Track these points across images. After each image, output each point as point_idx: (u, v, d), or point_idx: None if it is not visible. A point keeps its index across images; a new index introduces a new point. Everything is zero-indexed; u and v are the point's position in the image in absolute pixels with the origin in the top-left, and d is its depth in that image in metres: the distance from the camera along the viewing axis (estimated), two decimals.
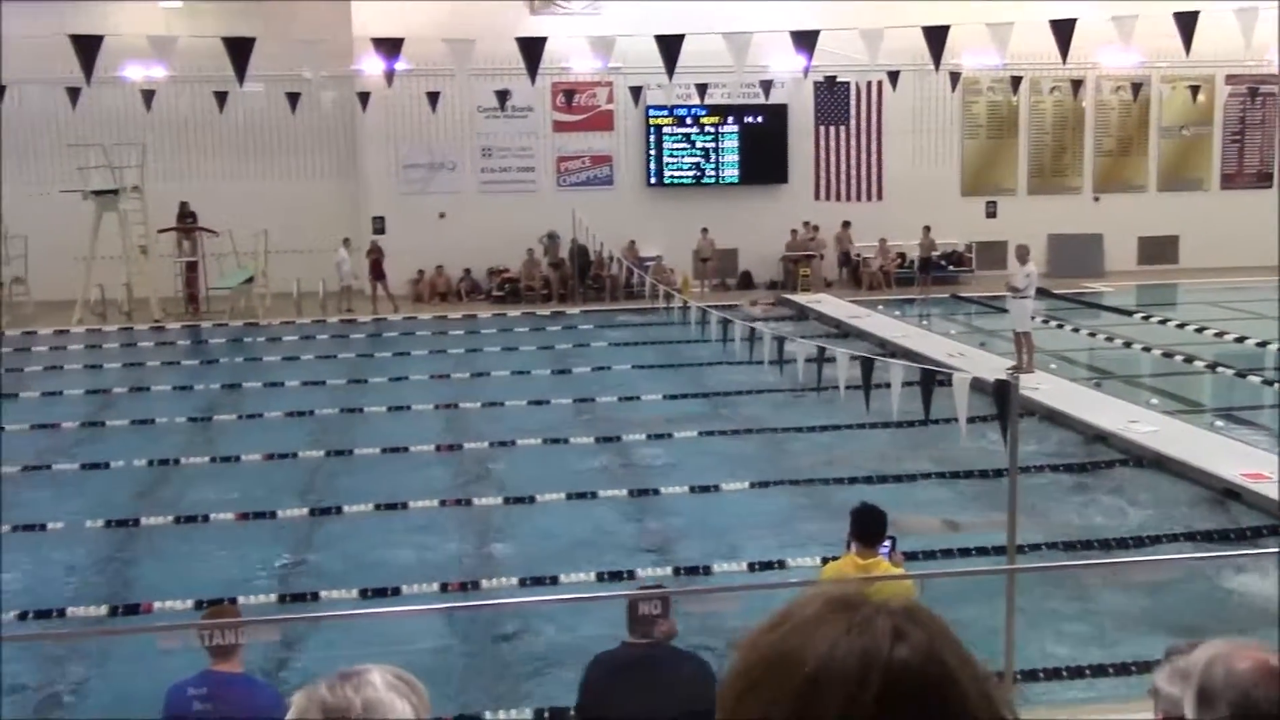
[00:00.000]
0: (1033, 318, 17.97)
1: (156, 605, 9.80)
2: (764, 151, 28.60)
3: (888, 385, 10.61)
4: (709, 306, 18.28)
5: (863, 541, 6.57)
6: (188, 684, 5.61)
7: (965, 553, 10.55)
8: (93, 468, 14.08)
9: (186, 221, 26.32)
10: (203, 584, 10.12)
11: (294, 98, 23.41)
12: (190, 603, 9.53)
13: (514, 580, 10.28)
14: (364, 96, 24.71)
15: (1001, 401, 7.93)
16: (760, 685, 1.18)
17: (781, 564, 10.42)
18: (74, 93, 20.89)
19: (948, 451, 13.23)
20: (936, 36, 15.08)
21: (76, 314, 24.52)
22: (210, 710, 5.45)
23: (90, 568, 11.09)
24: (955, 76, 25.90)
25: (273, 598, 10.00)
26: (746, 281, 28.76)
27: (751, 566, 10.38)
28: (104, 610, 9.96)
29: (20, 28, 21.81)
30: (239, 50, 13.32)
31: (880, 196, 29.33)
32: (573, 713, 5.84)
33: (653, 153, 28.52)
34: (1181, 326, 21.79)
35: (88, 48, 13.19)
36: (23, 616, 9.73)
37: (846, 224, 28.51)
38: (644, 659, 5.60)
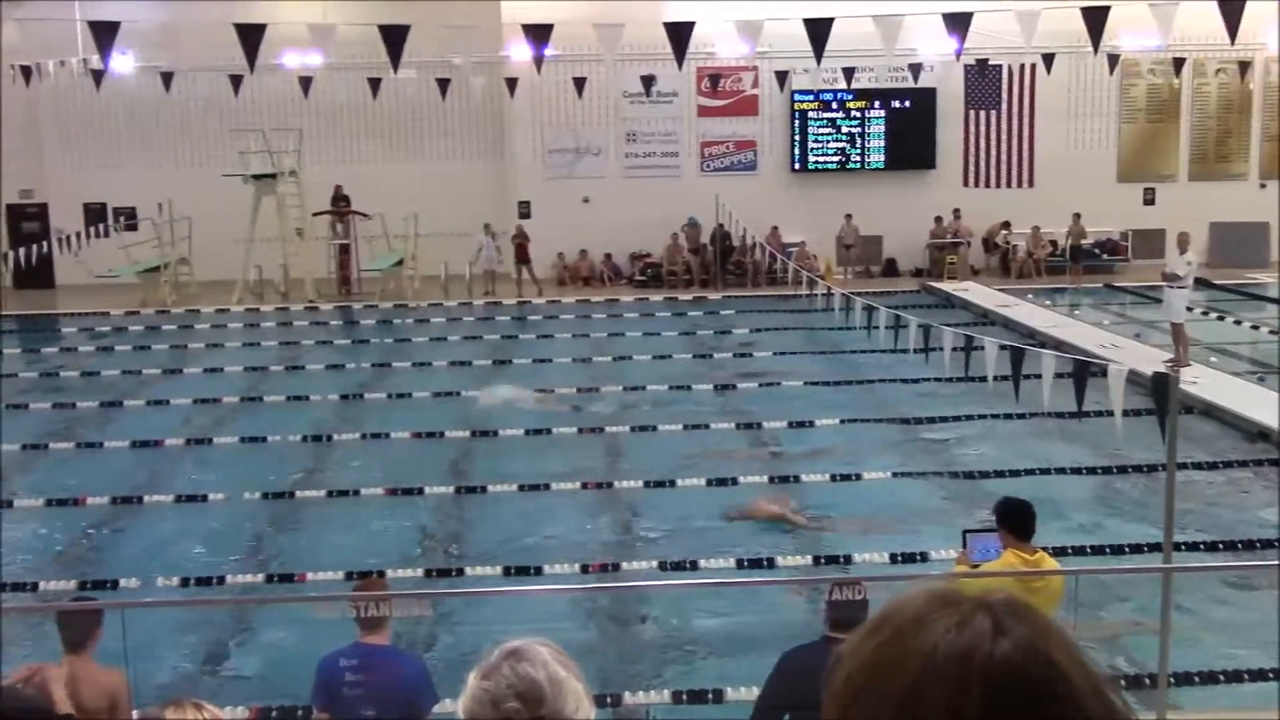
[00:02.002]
0: (1189, 309, 17.32)
1: (310, 576, 10.14)
2: (911, 136, 28.11)
3: (1038, 376, 10.33)
4: (853, 293, 18.06)
5: (1021, 536, 6.42)
6: (339, 654, 5.74)
7: (1118, 551, 10.25)
8: (250, 441, 14.60)
9: (340, 205, 27.10)
10: (353, 557, 10.44)
11: (444, 84, 23.88)
12: (341, 574, 9.85)
13: (653, 563, 10.35)
14: (512, 82, 25.05)
15: (1160, 395, 7.66)
16: (864, 692, 1.17)
17: (924, 556, 10.26)
18: (236, 80, 21.66)
19: (1100, 445, 12.86)
20: (1096, 17, 14.58)
21: (236, 294, 25.46)
22: (361, 680, 5.58)
23: (247, 538, 11.52)
24: (1114, 59, 25.01)
25: (419, 572, 10.24)
26: (891, 269, 28.34)
27: (894, 557, 10.25)
28: (261, 578, 10.35)
29: (189, 17, 22.67)
30: (394, 38, 13.63)
31: (1031, 183, 28.56)
32: (757, 705, 5.68)
33: (797, 138, 28.28)
34: None
35: (251, 37, 13.64)
36: (184, 583, 10.17)
37: (1006, 224, 27.82)
38: None
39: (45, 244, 24.64)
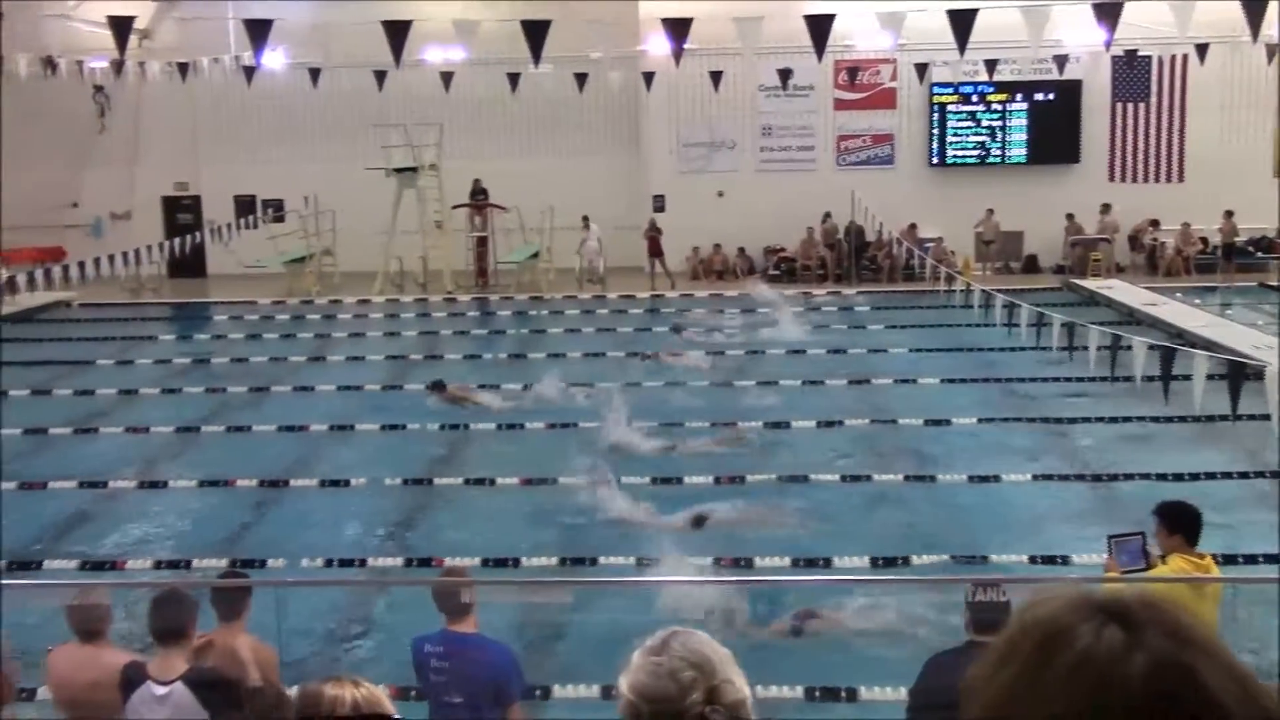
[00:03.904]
0: None
1: (448, 561, 10.33)
2: (1054, 130, 27.44)
3: (1187, 377, 10.00)
4: (992, 290, 17.69)
5: (1190, 540, 6.22)
6: (426, 640, 5.74)
7: (1273, 559, 9.85)
8: (391, 429, 14.96)
9: (478, 198, 27.56)
10: (490, 543, 10.62)
11: (581, 78, 24.10)
12: (477, 560, 10.04)
13: (785, 559, 10.29)
14: (648, 76, 25.15)
15: None
16: None
17: (1065, 559, 10.01)
18: (381, 75, 22.19)
19: (1253, 450, 12.37)
20: (1255, 6, 14.04)
21: (377, 284, 26.09)
22: (446, 668, 5.57)
23: (389, 522, 11.81)
24: (1271, 49, 24.01)
25: (553, 560, 10.37)
26: (1031, 265, 27.69)
27: (1033, 559, 10.02)
28: (400, 562, 10.60)
29: (337, 15, 23.30)
30: (535, 33, 13.81)
31: (1181, 177, 27.61)
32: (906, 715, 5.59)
33: (936, 131, 27.84)
34: None
35: (398, 33, 13.96)
36: (328, 563, 10.47)
37: (1155, 222, 26.98)
38: None
39: (198, 235, 25.64)
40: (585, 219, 26.74)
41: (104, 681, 5.50)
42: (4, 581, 9.02)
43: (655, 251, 26.75)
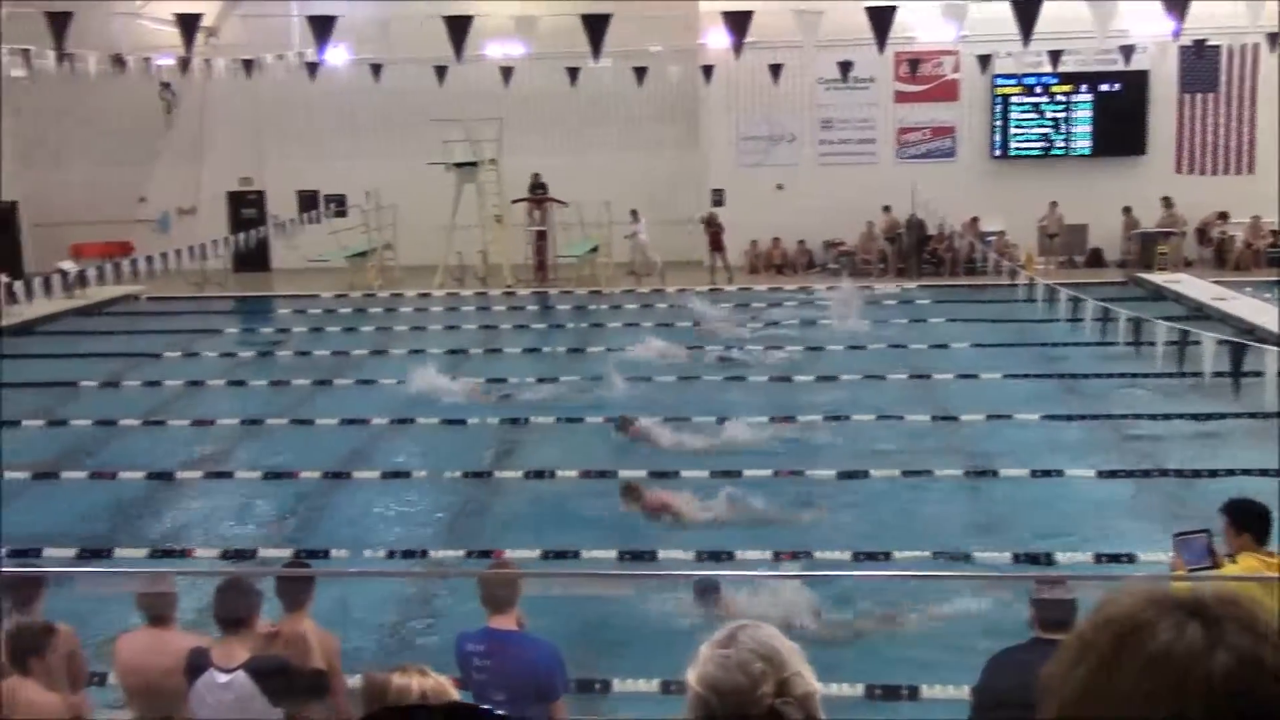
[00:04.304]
0: None
1: (507, 553, 10.39)
2: (1120, 121, 27.03)
3: (1258, 373, 9.81)
4: (1057, 284, 17.46)
5: (1260, 539, 6.11)
6: (468, 638, 5.69)
7: None
8: (450, 423, 15.06)
9: (538, 192, 27.66)
10: (549, 535, 10.66)
11: (640, 72, 24.08)
12: (538, 552, 10.09)
13: (846, 553, 10.23)
14: (707, 70, 25.08)
15: None
16: None
17: (1130, 557, 9.86)
18: (441, 71, 22.32)
19: None
20: None
21: (438, 278, 26.29)
22: (488, 666, 5.53)
23: (448, 514, 11.89)
24: None
25: (613, 553, 10.38)
26: (1096, 259, 27.30)
27: (1098, 558, 9.88)
28: (460, 554, 10.67)
29: (399, 10, 23.48)
30: (595, 27, 13.82)
31: (1251, 169, 27.08)
32: (971, 715, 5.51)
33: (998, 123, 27.52)
34: None
35: (459, 28, 14.03)
36: (390, 555, 10.57)
37: (1223, 214, 26.51)
38: None
39: (262, 229, 25.98)
40: (634, 212, 26.75)
41: (172, 666, 5.60)
42: (77, 569, 9.22)
43: (716, 245, 26.70)
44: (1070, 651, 1.17)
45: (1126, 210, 26.69)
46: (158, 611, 5.84)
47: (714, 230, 26.73)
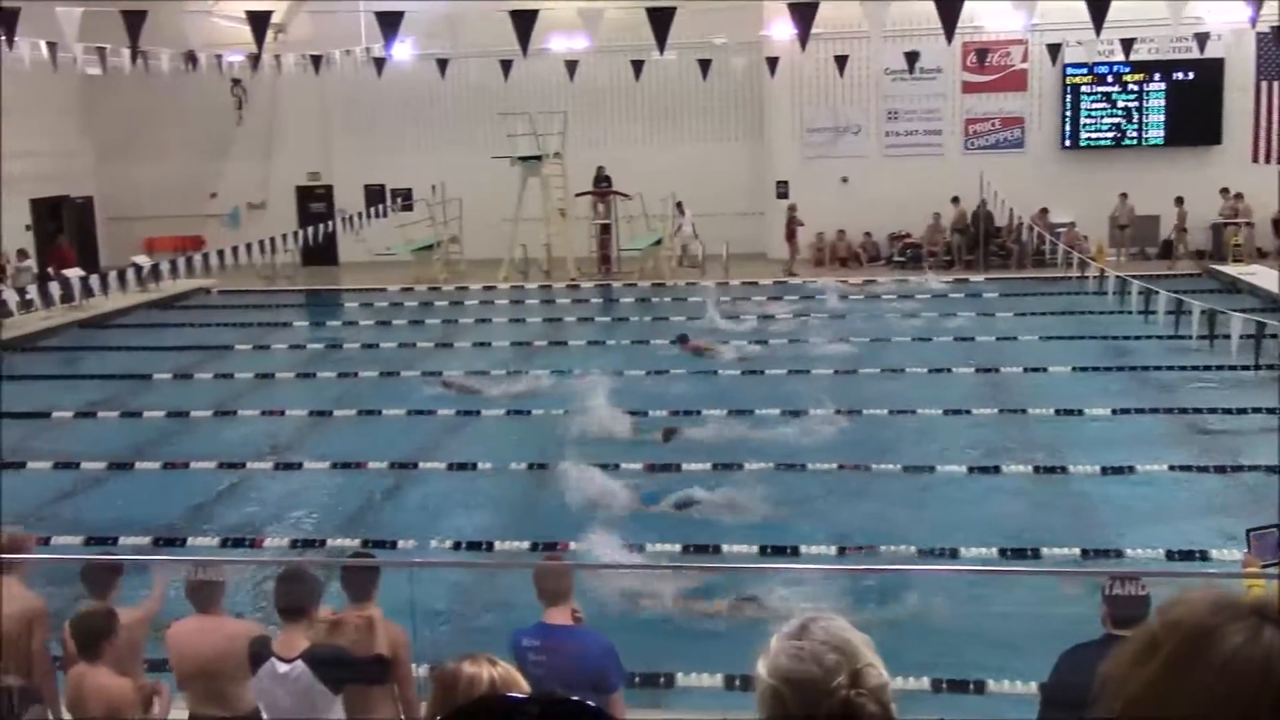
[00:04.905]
0: None
1: (572, 545, 10.43)
2: (1194, 110, 26.50)
3: None
4: (1127, 276, 17.16)
5: None
6: (523, 635, 5.69)
7: None
8: (516, 414, 15.15)
9: (602, 186, 27.70)
10: (613, 528, 10.67)
11: (705, 64, 24.01)
12: (601, 545, 10.10)
13: (912, 549, 10.15)
14: (772, 62, 24.95)
15: None
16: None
17: (1203, 554, 9.69)
18: (506, 65, 22.41)
19: None
20: None
21: (503, 271, 26.42)
22: (543, 661, 5.52)
23: (511, 505, 11.97)
24: None
25: (677, 547, 10.38)
26: (1167, 250, 26.79)
27: (1170, 555, 9.71)
28: (526, 545, 10.71)
29: (465, 5, 23.60)
30: (660, 20, 13.79)
31: None
32: (1041, 712, 5.47)
33: (1068, 113, 27.11)
34: None
35: (524, 22, 14.08)
36: (456, 546, 10.66)
37: None
38: None
39: (330, 223, 26.28)
40: (679, 204, 26.69)
41: (227, 650, 5.68)
42: (149, 556, 9.41)
43: (791, 236, 26.59)
44: (1131, 650, 1.16)
45: (1179, 201, 26.09)
46: (204, 599, 5.92)
47: (793, 222, 26.61)
